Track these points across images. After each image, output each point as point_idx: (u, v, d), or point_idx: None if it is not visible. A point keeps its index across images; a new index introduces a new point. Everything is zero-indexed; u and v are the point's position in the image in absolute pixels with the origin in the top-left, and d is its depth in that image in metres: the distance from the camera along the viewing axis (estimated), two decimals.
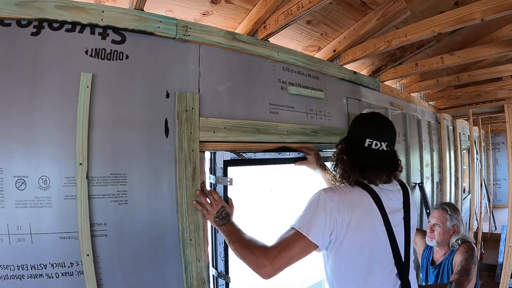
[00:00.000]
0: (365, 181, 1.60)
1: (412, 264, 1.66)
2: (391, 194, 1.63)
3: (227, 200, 1.84)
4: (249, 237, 1.64)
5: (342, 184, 1.65)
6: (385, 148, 1.62)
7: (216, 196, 1.77)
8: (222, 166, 1.85)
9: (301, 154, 2.29)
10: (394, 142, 1.69)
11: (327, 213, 1.46)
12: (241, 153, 1.94)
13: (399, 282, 1.56)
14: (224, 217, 1.73)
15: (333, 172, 1.77)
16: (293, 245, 1.46)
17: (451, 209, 2.67)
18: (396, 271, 1.56)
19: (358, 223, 1.49)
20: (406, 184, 1.78)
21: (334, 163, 1.73)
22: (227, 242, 1.72)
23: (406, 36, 2.35)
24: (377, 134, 1.62)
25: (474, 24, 2.16)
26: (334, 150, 1.77)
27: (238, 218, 1.80)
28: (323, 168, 2.33)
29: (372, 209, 1.54)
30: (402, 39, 2.37)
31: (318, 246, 1.47)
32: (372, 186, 1.60)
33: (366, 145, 1.61)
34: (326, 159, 2.39)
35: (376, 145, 1.61)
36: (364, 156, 1.62)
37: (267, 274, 1.46)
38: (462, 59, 2.87)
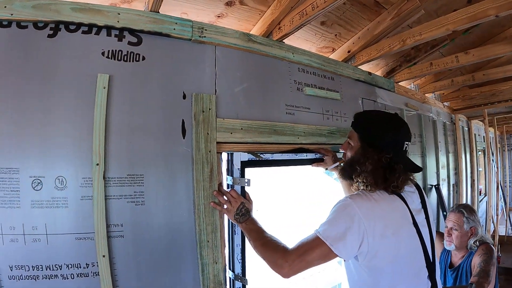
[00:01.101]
0: (397, 189, 1.51)
1: (437, 262, 1.60)
2: (411, 196, 1.58)
3: (244, 196, 1.82)
4: (270, 236, 1.62)
5: (370, 191, 1.52)
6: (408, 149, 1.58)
7: (234, 194, 1.75)
8: (240, 167, 1.83)
9: (318, 155, 2.26)
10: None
11: (355, 224, 1.38)
12: (258, 154, 1.92)
13: (429, 283, 1.50)
14: (244, 214, 1.72)
15: (358, 180, 1.59)
16: (312, 251, 1.42)
17: (467, 211, 2.61)
18: (427, 273, 1.50)
19: (393, 231, 1.42)
20: (416, 182, 1.71)
21: (366, 169, 1.54)
22: (247, 239, 1.69)
23: (421, 35, 2.32)
24: (409, 135, 1.58)
25: (488, 23, 2.14)
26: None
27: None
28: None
29: (405, 214, 1.48)
30: (416, 38, 2.34)
31: (337, 256, 1.41)
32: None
33: (404, 148, 1.55)
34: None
35: (408, 146, 1.57)
36: (406, 159, 1.57)
37: (285, 275, 1.45)
38: (477, 57, 2.82)
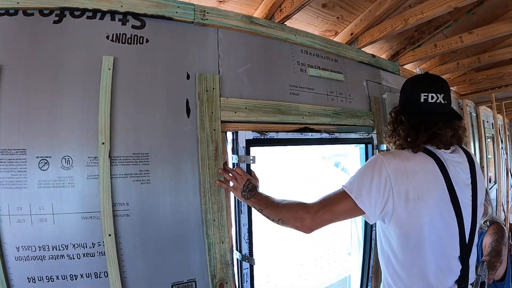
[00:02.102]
0: (431, 147, 1.44)
1: (474, 247, 1.47)
2: (458, 166, 1.45)
3: (250, 174, 1.83)
4: (282, 199, 1.60)
5: (399, 150, 1.48)
6: (442, 101, 1.45)
7: (239, 171, 1.76)
8: (245, 145, 1.83)
9: (324, 135, 2.24)
10: (450, 96, 1.50)
11: (382, 180, 1.34)
12: (263, 132, 1.93)
13: (460, 266, 1.41)
14: (251, 189, 1.71)
15: (388, 144, 1.63)
16: (337, 204, 1.41)
17: None
18: (459, 254, 1.41)
19: (419, 194, 1.34)
20: (473, 155, 1.58)
21: (389, 132, 1.59)
22: (259, 211, 1.67)
23: (423, 13, 2.29)
24: (430, 86, 1.46)
25: (491, 3, 2.10)
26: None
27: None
28: None
29: (437, 179, 1.38)
30: (418, 16, 2.32)
31: (365, 213, 1.38)
32: (438, 153, 1.42)
33: (422, 100, 1.45)
34: (347, 141, 2.40)
35: (432, 98, 1.44)
36: (423, 112, 1.46)
37: (307, 227, 1.43)
38: (481, 37, 2.79)
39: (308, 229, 1.44)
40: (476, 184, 1.48)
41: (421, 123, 1.45)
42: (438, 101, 1.44)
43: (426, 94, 1.44)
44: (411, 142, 1.45)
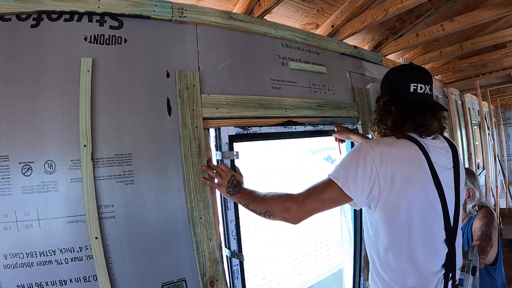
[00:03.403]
0: (414, 134, 1.47)
1: (459, 231, 1.53)
2: (439, 151, 1.49)
3: (234, 170, 1.83)
4: (267, 192, 1.60)
5: (387, 137, 1.50)
6: (429, 92, 1.49)
7: (223, 167, 1.76)
8: (228, 141, 1.83)
9: (308, 127, 2.26)
10: (433, 87, 1.55)
11: (368, 166, 1.36)
12: (246, 127, 1.93)
13: (446, 249, 1.45)
14: (236, 185, 1.71)
15: (373, 132, 1.64)
16: (324, 192, 1.41)
17: (466, 172, 2.60)
18: (445, 236, 1.44)
19: (404, 177, 1.36)
20: (454, 142, 1.63)
21: (375, 121, 1.60)
22: (245, 206, 1.66)
23: (403, 2, 2.29)
24: (419, 77, 1.49)
25: None
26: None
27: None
28: (356, 133, 2.34)
29: (420, 163, 1.41)
30: (398, 6, 2.32)
31: (352, 200, 1.39)
32: (420, 140, 1.46)
33: (411, 90, 1.47)
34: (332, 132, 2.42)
35: (421, 88, 1.47)
36: (413, 102, 1.48)
37: (295, 217, 1.43)
38: (463, 24, 2.81)
39: (296, 219, 1.44)
40: (459, 168, 1.53)
41: (409, 112, 1.47)
42: (425, 92, 1.48)
43: (416, 84, 1.47)
44: (396, 129, 1.48)
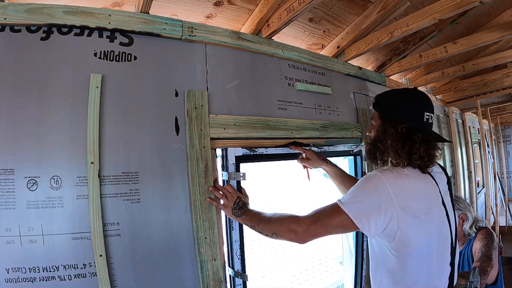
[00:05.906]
0: (425, 164, 1.44)
1: (457, 250, 1.54)
2: (439, 176, 1.52)
3: (240, 191, 1.83)
4: (273, 213, 1.60)
5: (398, 168, 1.43)
6: (433, 121, 1.50)
7: (230, 188, 1.76)
8: (234, 162, 1.84)
9: (313, 149, 2.21)
10: None
11: (384, 199, 1.31)
12: (253, 148, 1.93)
13: (450, 269, 1.44)
14: (241, 207, 1.71)
15: (384, 159, 1.56)
16: (332, 218, 1.39)
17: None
18: (450, 259, 1.44)
19: (425, 211, 1.35)
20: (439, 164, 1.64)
21: (392, 147, 1.49)
22: (251, 228, 1.65)
23: (408, 25, 2.32)
24: (429, 105, 1.49)
25: (474, 12, 2.13)
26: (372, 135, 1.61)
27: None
28: (328, 162, 2.14)
29: (436, 195, 1.42)
30: (404, 29, 2.35)
31: (358, 229, 1.35)
32: (429, 170, 1.46)
33: (425, 120, 1.46)
34: (336, 154, 2.42)
35: (431, 118, 1.48)
36: (430, 132, 1.48)
37: (300, 239, 1.44)
38: (465, 46, 2.82)
39: (301, 241, 1.45)
40: (452, 191, 1.58)
41: (430, 143, 1.46)
42: (431, 122, 1.50)
43: (428, 114, 1.47)
44: (410, 159, 1.43)
